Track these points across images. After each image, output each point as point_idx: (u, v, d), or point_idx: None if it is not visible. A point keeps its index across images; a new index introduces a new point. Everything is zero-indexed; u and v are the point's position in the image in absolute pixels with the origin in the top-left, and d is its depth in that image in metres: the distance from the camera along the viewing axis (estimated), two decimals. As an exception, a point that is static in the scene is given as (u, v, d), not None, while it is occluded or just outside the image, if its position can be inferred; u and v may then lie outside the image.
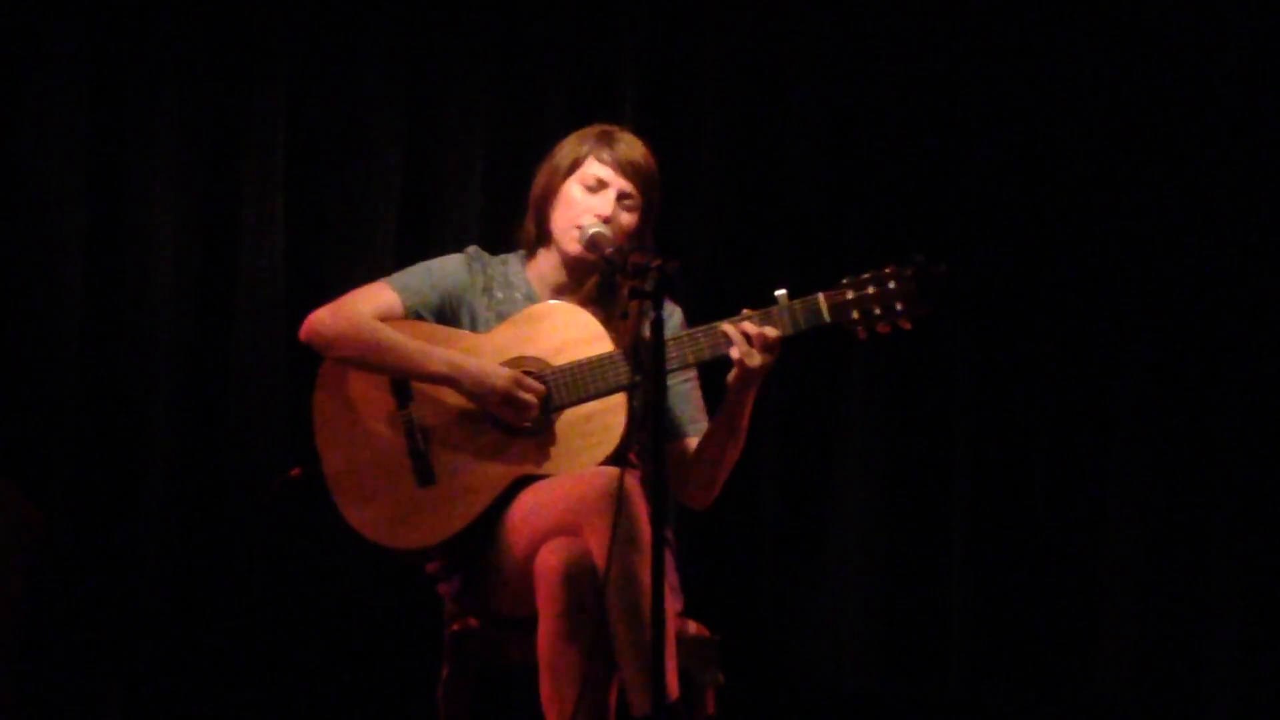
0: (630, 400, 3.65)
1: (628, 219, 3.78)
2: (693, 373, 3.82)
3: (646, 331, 3.24)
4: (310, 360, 3.80)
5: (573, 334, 3.73)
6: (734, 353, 3.59)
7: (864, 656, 4.81)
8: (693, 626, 3.73)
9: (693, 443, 3.79)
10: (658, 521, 3.17)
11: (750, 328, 3.59)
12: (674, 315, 3.85)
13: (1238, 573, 4.76)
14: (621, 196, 3.77)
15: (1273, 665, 4.73)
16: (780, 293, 3.61)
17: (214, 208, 4.74)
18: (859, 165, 4.88)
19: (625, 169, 3.77)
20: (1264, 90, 4.80)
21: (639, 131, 3.87)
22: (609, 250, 3.67)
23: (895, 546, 4.82)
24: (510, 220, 3.96)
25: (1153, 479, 4.81)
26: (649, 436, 3.18)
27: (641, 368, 3.55)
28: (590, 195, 3.77)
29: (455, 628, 3.71)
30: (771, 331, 3.58)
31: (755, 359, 3.58)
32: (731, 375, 3.63)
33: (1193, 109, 4.83)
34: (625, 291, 3.46)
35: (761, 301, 3.62)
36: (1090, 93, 4.86)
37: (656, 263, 3.21)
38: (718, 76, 4.89)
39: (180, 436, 4.69)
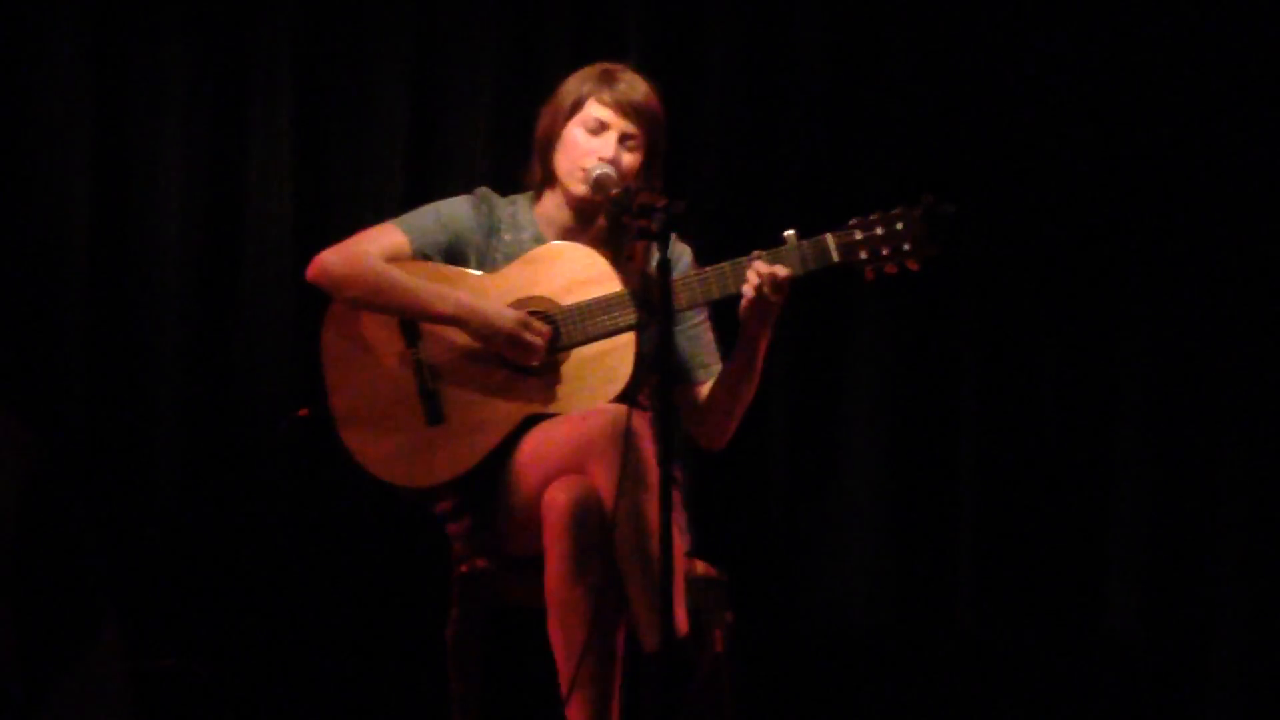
0: (639, 340, 3.65)
1: (631, 159, 3.76)
2: (703, 315, 3.82)
3: (654, 269, 3.23)
4: (319, 299, 3.80)
5: (581, 273, 3.72)
6: (745, 290, 3.58)
7: (873, 594, 4.81)
8: (700, 566, 3.74)
9: (703, 388, 3.79)
10: (665, 460, 3.16)
11: (761, 267, 3.58)
12: (684, 257, 3.85)
13: (1246, 506, 4.75)
14: (624, 138, 3.75)
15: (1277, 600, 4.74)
16: (789, 233, 3.61)
17: (221, 145, 4.71)
18: (869, 105, 4.83)
19: (626, 110, 3.75)
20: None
21: (643, 70, 3.84)
22: (614, 191, 3.66)
23: (904, 484, 4.81)
24: (517, 160, 3.95)
25: (1163, 414, 4.79)
26: (658, 377, 3.17)
27: (650, 307, 3.55)
28: (592, 138, 3.75)
29: (464, 569, 3.71)
30: (781, 271, 3.57)
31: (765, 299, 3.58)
32: (742, 312, 3.62)
33: (1236, 58, 4.76)
34: (632, 232, 3.45)
35: (771, 242, 3.61)
36: (1118, 34, 4.78)
37: (662, 203, 3.20)
38: (724, 13, 4.84)
39: (188, 374, 4.67)
